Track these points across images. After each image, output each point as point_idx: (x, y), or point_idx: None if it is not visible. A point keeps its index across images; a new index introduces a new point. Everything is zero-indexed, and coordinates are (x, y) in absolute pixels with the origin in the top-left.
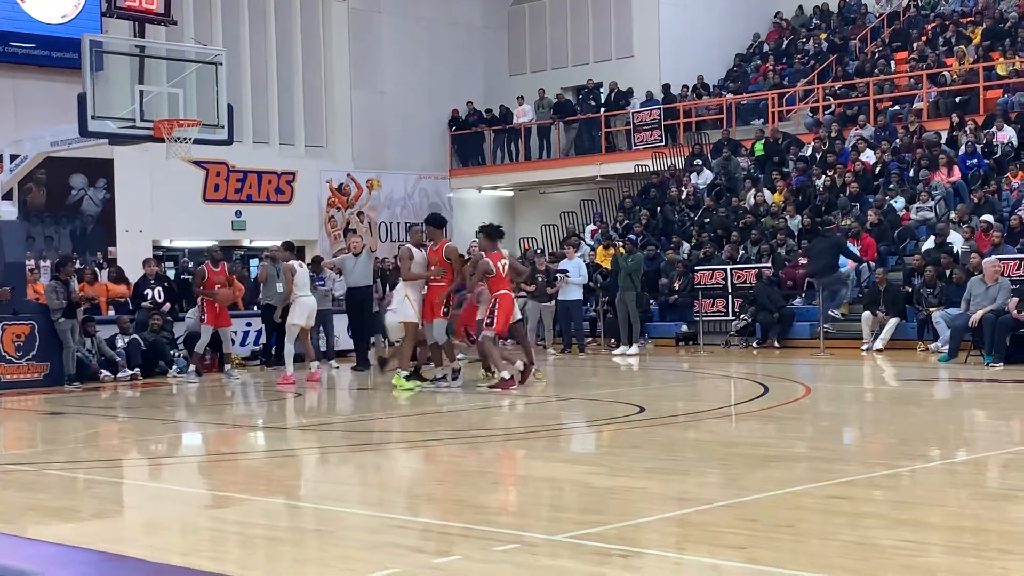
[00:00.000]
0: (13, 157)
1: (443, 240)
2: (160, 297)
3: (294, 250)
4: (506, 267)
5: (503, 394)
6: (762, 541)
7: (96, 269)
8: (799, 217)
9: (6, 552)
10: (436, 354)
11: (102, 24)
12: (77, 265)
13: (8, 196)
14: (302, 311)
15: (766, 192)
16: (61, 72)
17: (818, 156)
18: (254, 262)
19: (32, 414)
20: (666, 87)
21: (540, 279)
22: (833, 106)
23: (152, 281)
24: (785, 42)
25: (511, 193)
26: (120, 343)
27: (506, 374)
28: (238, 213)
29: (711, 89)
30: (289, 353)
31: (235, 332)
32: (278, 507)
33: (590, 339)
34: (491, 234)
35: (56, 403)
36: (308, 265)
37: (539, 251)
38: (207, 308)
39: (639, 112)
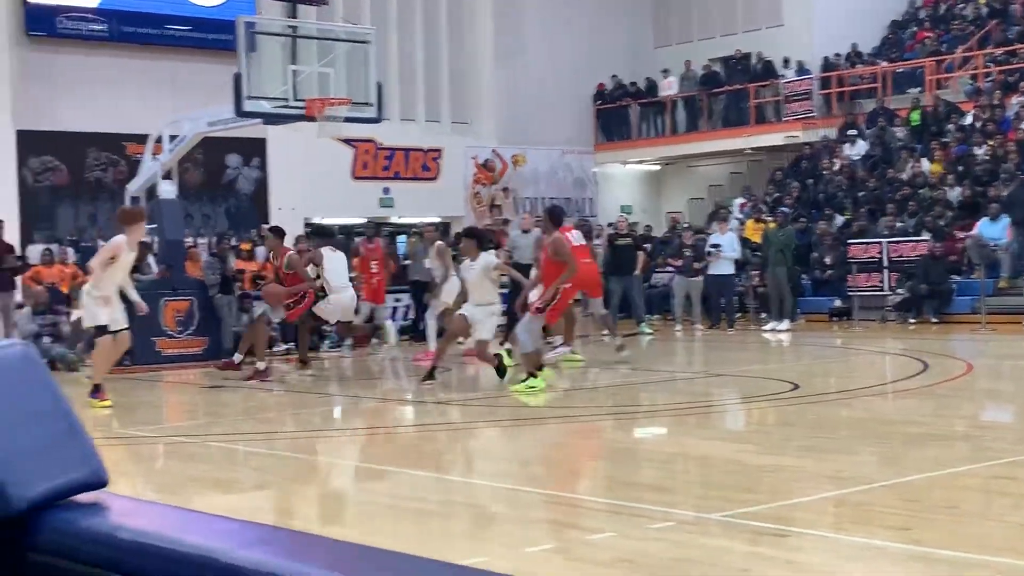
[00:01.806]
0: (172, 138)
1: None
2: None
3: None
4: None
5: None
6: (923, 522)
7: (252, 245)
8: (959, 188)
9: (182, 528)
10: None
11: (255, 5)
12: (233, 242)
13: (168, 176)
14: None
15: (923, 162)
16: (216, 54)
17: (978, 125)
18: (401, 238)
19: (192, 387)
20: (822, 58)
21: (688, 254)
22: (994, 73)
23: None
24: (943, 8)
25: (657, 167)
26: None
27: (261, 365)
28: (386, 190)
29: (865, 57)
30: (431, 329)
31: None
32: (430, 481)
33: (739, 315)
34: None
35: (215, 376)
36: (453, 240)
37: (686, 225)
38: (365, 284)
39: (790, 82)
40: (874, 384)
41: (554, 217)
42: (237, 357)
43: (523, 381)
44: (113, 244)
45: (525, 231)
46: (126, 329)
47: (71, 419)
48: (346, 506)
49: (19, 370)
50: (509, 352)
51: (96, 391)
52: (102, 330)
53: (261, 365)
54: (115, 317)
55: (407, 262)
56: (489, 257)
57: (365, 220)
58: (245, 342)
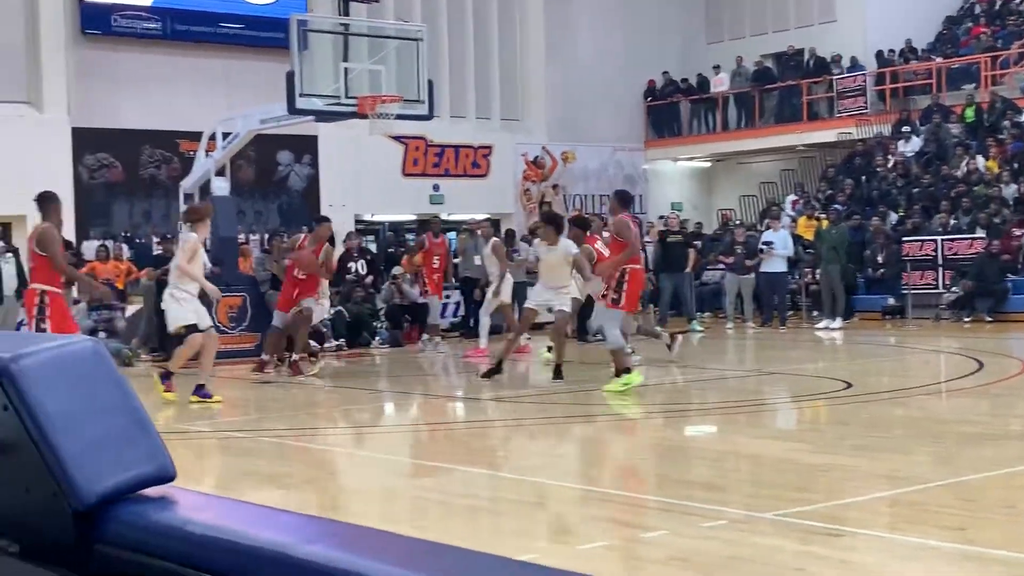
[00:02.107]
0: (225, 135)
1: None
2: (363, 270)
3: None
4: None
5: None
6: (979, 522)
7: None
8: (1014, 186)
9: (251, 522)
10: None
11: (307, 3)
12: (284, 239)
13: (221, 173)
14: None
15: (979, 159)
16: (269, 51)
17: None
18: (451, 235)
19: (245, 383)
20: (876, 54)
21: (739, 251)
22: None
23: (355, 254)
24: (998, 3)
25: (708, 164)
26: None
27: (295, 357)
28: (436, 187)
29: (919, 53)
30: (484, 326)
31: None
32: (481, 477)
33: (791, 312)
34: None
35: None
36: (503, 237)
37: (738, 223)
38: (428, 279)
39: (843, 78)
40: (928, 383)
41: (622, 199)
42: (295, 356)
43: (615, 379)
44: (193, 241)
45: (486, 238)
46: (212, 327)
47: (139, 414)
48: (397, 502)
49: (88, 365)
50: (550, 348)
51: (167, 378)
52: (192, 328)
53: (295, 357)
54: (201, 314)
55: (457, 259)
56: (568, 244)
57: (415, 216)
58: (300, 341)
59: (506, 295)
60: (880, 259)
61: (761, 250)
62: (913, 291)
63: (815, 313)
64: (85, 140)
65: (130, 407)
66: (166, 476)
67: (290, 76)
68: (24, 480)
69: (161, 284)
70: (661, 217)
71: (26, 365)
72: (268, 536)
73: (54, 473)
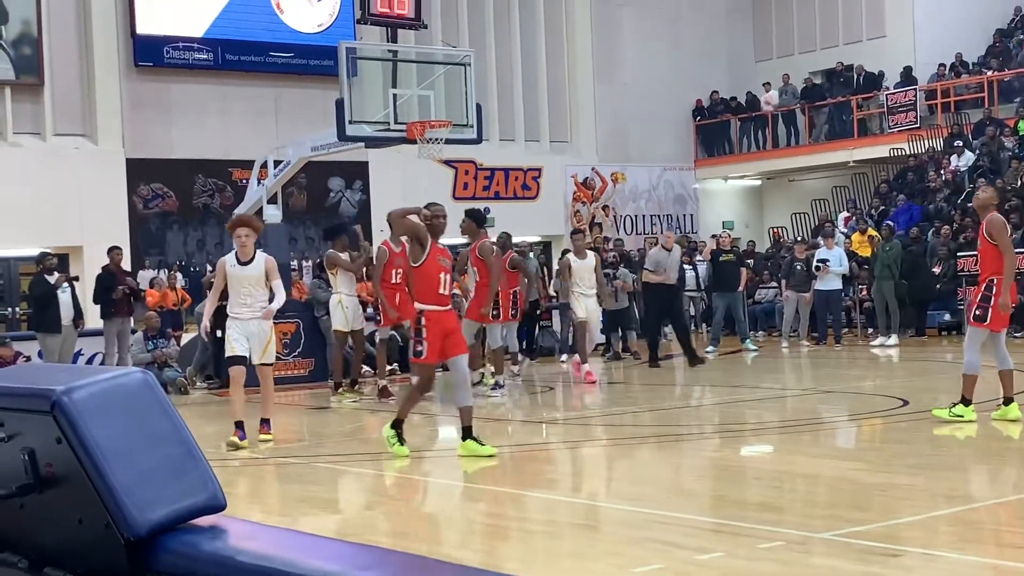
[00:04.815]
0: (277, 163)
1: (482, 236)
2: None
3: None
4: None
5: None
6: None
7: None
8: None
9: (300, 552)
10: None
11: (355, 31)
12: None
13: (273, 200)
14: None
15: None
16: (318, 79)
17: None
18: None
19: (300, 409)
20: (926, 68)
21: (799, 268)
22: None
23: None
24: None
25: (758, 182)
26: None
27: (382, 382)
28: (486, 210)
29: (970, 67)
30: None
31: None
32: (533, 500)
33: (845, 330)
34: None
35: (321, 398)
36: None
37: (799, 239)
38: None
39: (893, 93)
40: (986, 400)
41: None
42: (381, 382)
43: (953, 406)
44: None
45: (668, 249)
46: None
47: (190, 444)
48: (451, 526)
49: (138, 397)
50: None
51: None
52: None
53: (382, 383)
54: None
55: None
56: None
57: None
58: (380, 360)
59: (582, 312)
60: (936, 271)
61: (817, 267)
62: None
63: (870, 330)
64: (139, 171)
65: (180, 437)
66: (217, 506)
67: (339, 103)
68: (77, 511)
69: (220, 311)
70: (713, 236)
71: (78, 398)
72: (318, 565)
73: (106, 504)
